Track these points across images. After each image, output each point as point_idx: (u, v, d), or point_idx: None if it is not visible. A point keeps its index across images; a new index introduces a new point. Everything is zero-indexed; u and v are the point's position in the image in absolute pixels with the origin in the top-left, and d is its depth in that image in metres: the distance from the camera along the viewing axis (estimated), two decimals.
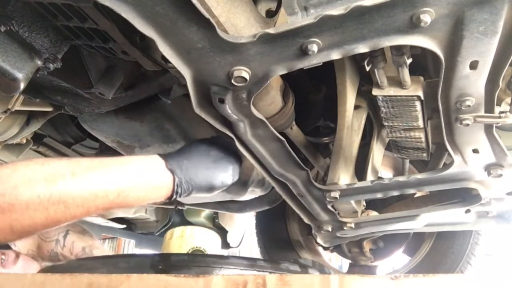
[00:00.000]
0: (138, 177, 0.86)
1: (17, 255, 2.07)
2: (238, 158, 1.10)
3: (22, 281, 0.66)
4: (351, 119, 1.22)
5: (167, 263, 1.13)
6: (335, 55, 0.73)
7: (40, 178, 0.72)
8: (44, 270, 1.41)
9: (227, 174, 1.05)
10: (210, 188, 1.01)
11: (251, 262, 1.22)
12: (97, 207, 0.80)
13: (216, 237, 2.79)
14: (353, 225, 1.42)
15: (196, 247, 2.60)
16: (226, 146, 1.06)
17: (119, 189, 0.82)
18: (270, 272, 1.10)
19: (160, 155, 0.95)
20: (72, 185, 0.75)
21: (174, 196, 0.93)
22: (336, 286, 0.59)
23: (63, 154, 2.02)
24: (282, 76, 1.04)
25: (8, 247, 2.06)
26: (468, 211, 1.36)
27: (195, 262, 1.19)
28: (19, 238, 0.74)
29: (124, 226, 3.71)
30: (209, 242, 2.69)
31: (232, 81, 0.78)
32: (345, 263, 2.27)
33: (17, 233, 0.72)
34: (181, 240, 2.65)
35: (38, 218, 0.71)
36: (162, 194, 0.92)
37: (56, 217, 0.74)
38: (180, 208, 2.63)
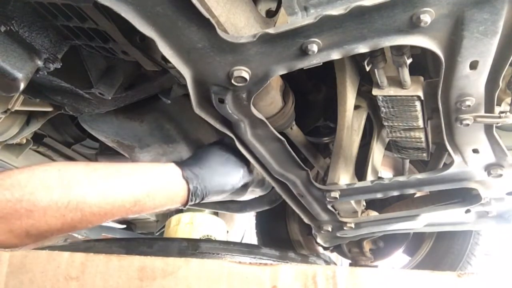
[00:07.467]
0: (155, 187, 0.87)
1: None
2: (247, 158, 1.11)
3: (56, 261, 0.58)
4: (351, 119, 1.21)
5: (197, 249, 1.08)
6: (335, 55, 0.73)
7: (58, 185, 0.72)
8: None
9: (238, 177, 1.08)
10: (222, 192, 1.04)
11: (282, 254, 1.18)
12: (113, 215, 0.80)
13: (223, 225, 2.63)
14: (353, 225, 1.42)
15: (207, 235, 2.43)
16: (236, 147, 1.07)
17: (136, 198, 0.83)
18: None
19: (176, 163, 0.96)
20: (90, 193, 0.75)
21: (189, 203, 0.95)
22: (406, 281, 0.57)
23: (63, 154, 2.02)
24: (282, 76, 1.04)
25: None
26: (468, 211, 1.36)
27: (227, 250, 1.15)
28: (34, 242, 0.74)
29: (124, 226, 3.70)
30: (218, 230, 2.53)
31: (232, 81, 0.78)
32: (345, 263, 2.26)
33: (32, 237, 0.71)
34: (190, 227, 2.46)
35: (55, 224, 0.71)
36: (177, 202, 0.93)
37: (72, 224, 0.74)
38: (180, 208, 2.60)
